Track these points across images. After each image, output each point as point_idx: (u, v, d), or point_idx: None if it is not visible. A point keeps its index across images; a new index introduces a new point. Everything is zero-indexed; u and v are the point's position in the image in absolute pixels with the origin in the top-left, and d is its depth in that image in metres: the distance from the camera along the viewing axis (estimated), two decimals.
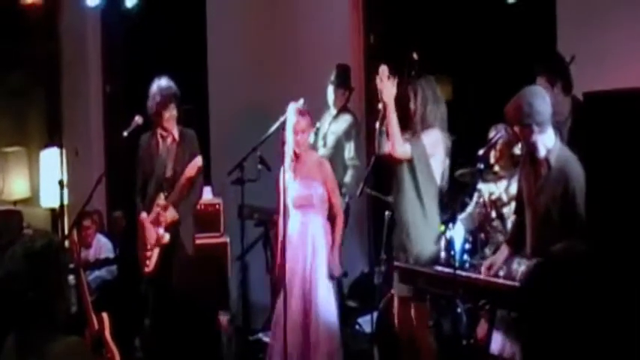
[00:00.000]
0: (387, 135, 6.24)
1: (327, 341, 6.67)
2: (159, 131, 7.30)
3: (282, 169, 6.77)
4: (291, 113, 6.75)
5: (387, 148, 6.34)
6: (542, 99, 5.34)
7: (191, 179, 7.14)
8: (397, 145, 6.19)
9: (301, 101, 6.84)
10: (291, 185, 6.85)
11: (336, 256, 6.79)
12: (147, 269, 7.19)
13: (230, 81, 9.77)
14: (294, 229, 6.87)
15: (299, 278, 6.76)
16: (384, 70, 6.22)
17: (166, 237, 7.15)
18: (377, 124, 6.40)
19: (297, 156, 6.83)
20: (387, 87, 6.19)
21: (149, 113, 7.25)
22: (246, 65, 9.70)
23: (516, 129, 5.38)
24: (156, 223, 7.16)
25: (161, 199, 7.16)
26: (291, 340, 6.65)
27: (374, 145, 6.53)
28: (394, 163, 6.32)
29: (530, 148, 5.39)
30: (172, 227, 7.15)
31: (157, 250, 7.15)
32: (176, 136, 7.29)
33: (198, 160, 7.15)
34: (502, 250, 5.84)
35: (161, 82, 7.22)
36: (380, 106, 6.30)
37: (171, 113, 7.22)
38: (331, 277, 6.77)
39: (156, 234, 7.15)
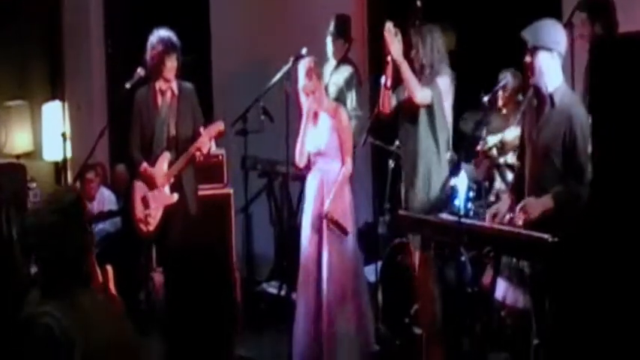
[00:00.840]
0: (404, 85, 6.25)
1: (339, 289, 6.64)
2: (158, 85, 7.12)
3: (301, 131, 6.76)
4: (301, 76, 6.70)
5: (394, 102, 6.36)
6: (561, 30, 5.40)
7: (211, 139, 7.04)
8: (417, 92, 6.21)
9: (304, 50, 6.81)
10: (308, 135, 6.81)
11: (336, 205, 6.71)
12: (149, 228, 7.14)
13: (232, 32, 9.72)
14: (313, 178, 6.83)
15: (317, 227, 6.74)
16: (389, 26, 6.20)
17: (174, 197, 7.04)
18: (383, 80, 6.38)
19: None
20: (395, 43, 6.19)
21: (149, 65, 7.11)
22: (248, 16, 9.65)
23: (527, 58, 5.33)
24: (164, 182, 7.07)
25: (167, 158, 7.07)
26: (309, 291, 6.67)
27: (378, 96, 6.51)
28: (411, 111, 6.31)
29: (536, 78, 5.35)
30: (177, 186, 7.08)
31: (160, 210, 7.09)
32: (175, 90, 7.13)
33: (220, 125, 7.01)
34: (505, 199, 5.85)
35: (161, 32, 7.07)
36: (388, 58, 6.28)
37: (172, 63, 7.03)
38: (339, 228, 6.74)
39: (162, 193, 7.08)
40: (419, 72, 6.31)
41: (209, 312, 7.37)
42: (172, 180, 7.06)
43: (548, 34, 5.31)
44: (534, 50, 5.31)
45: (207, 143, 6.96)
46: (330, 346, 6.59)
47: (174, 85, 7.13)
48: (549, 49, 5.28)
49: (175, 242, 7.04)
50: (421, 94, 6.23)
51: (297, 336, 6.70)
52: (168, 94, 7.14)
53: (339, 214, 6.64)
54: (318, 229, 6.70)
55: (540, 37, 5.30)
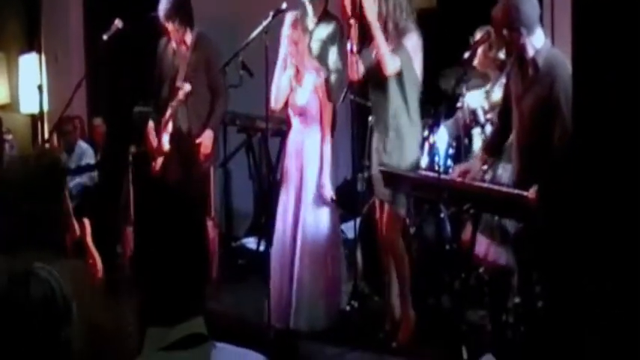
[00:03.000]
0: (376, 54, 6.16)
1: (312, 252, 6.61)
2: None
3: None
4: (287, 25, 6.64)
5: (362, 67, 6.28)
6: (529, 1, 5.26)
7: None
8: (389, 63, 6.09)
9: (284, 5, 6.73)
10: (292, 92, 6.75)
11: (324, 175, 6.68)
12: (155, 168, 7.34)
13: None
14: (293, 138, 6.80)
15: (294, 187, 6.71)
16: None
17: (166, 146, 7.19)
18: (348, 45, 6.30)
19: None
20: (369, 5, 6.09)
21: None
22: None
23: (505, 32, 5.30)
24: (163, 129, 7.21)
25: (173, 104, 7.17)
26: (285, 249, 6.65)
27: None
28: (380, 76, 6.23)
29: (519, 50, 5.31)
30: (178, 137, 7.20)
31: (160, 159, 7.16)
32: (189, 42, 7.29)
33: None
34: (479, 156, 5.82)
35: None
36: (351, 21, 6.19)
37: (173, 27, 7.20)
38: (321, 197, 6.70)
39: (158, 141, 7.22)
40: (382, 28, 6.19)
41: (179, 263, 7.36)
42: (171, 130, 7.19)
43: (517, 15, 5.16)
44: (509, 31, 5.25)
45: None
46: (298, 304, 6.59)
47: (188, 37, 7.30)
48: (523, 27, 5.20)
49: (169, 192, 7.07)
50: (392, 66, 6.10)
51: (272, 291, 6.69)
52: (183, 47, 7.31)
53: (328, 185, 6.66)
54: (297, 193, 6.68)
55: (510, 21, 5.16)
